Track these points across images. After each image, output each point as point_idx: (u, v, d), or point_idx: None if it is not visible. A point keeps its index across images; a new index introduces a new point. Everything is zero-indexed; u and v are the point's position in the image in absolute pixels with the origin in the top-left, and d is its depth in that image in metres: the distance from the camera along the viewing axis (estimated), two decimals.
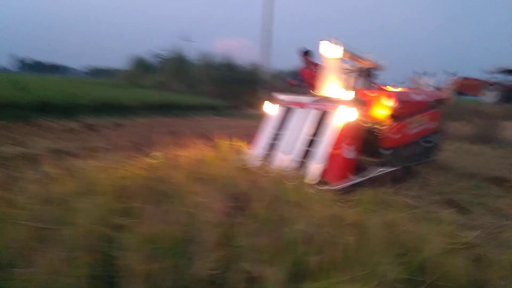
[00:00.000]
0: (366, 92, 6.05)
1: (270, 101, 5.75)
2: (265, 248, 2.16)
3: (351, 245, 2.24)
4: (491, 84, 18.08)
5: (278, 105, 5.65)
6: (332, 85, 5.86)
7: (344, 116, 4.72)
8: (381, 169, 4.94)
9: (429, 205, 3.12)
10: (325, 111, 4.99)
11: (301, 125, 5.13)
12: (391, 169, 4.99)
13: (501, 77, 18.62)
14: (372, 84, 7.25)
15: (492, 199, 5.06)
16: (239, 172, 3.55)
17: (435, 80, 19.41)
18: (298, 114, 5.27)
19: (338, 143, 4.61)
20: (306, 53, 6.64)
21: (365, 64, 6.67)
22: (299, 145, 4.91)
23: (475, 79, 19.22)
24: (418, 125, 6.15)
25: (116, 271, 1.96)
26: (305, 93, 6.23)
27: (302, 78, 6.71)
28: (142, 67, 33.13)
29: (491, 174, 6.65)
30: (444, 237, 2.48)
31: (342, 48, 5.77)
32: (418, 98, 6.47)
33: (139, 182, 2.99)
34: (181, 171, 3.27)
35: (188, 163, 3.47)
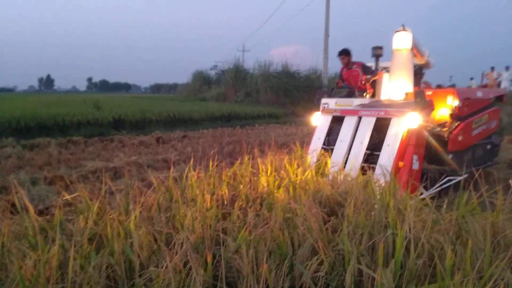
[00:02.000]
0: (426, 90, 5.60)
1: (319, 110, 5.37)
2: (368, 252, 2.19)
3: (456, 249, 2.20)
4: None
5: (327, 114, 5.24)
6: (400, 81, 5.32)
7: (410, 122, 4.23)
8: (450, 178, 4.45)
9: None
10: (385, 118, 4.48)
11: (356, 134, 4.65)
12: (461, 177, 4.22)
13: None
14: (421, 83, 6.77)
15: None
16: (321, 178, 3.60)
17: (510, 73, 18.16)
18: (351, 123, 4.79)
19: (404, 154, 4.15)
20: (342, 53, 6.15)
21: (419, 60, 6.17)
22: (357, 158, 4.40)
23: None
24: (480, 125, 5.68)
25: (229, 271, 2.10)
26: (353, 95, 5.82)
27: (343, 79, 6.29)
28: (202, 80, 34.39)
29: None
30: None
31: (412, 37, 5.30)
32: (479, 95, 5.99)
33: (231, 190, 3.15)
34: (267, 178, 3.38)
35: (270, 171, 3.58)
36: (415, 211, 2.55)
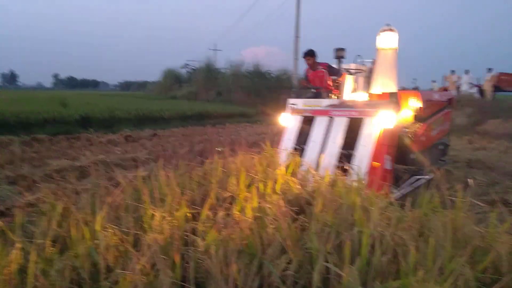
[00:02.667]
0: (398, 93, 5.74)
1: (287, 111, 5.22)
2: (335, 250, 2.23)
3: (419, 246, 2.28)
4: None
5: (297, 114, 5.10)
6: (385, 81, 5.35)
7: (385, 122, 4.20)
8: (419, 177, 4.57)
9: (479, 206, 3.09)
10: (357, 118, 4.42)
11: (328, 135, 4.57)
12: (430, 176, 4.57)
13: None
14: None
15: None
16: (291, 177, 3.63)
17: (470, 77, 18.95)
18: (322, 123, 4.69)
19: (378, 154, 4.12)
20: (308, 54, 6.06)
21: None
22: (331, 158, 4.33)
23: None
24: (437, 126, 5.80)
25: (198, 272, 2.09)
26: (319, 96, 5.74)
27: (309, 81, 6.22)
28: (172, 78, 33.98)
29: None
30: (510, 236, 2.47)
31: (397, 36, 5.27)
32: (437, 97, 6.17)
33: (201, 189, 3.13)
34: (236, 177, 3.38)
35: (240, 170, 3.58)
36: (381, 210, 2.62)
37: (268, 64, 30.64)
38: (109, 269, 2.07)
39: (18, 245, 2.02)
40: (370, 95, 5.45)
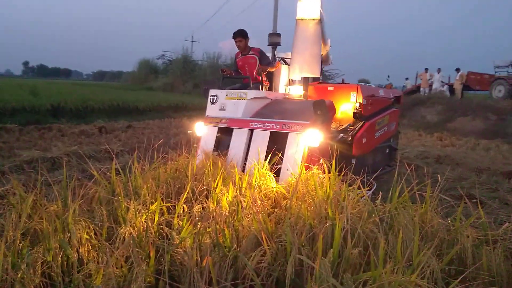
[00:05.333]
0: (328, 86, 5.11)
1: (209, 103, 4.44)
2: (308, 243, 2.28)
3: (389, 239, 2.36)
4: (499, 78, 18.08)
5: (211, 125, 4.23)
6: (305, 63, 4.56)
7: (310, 140, 3.56)
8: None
9: (446, 200, 3.22)
10: (279, 132, 3.79)
11: (249, 149, 3.89)
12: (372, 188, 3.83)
13: (511, 71, 18.63)
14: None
15: (505, 193, 5.17)
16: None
17: (441, 75, 19.51)
18: (241, 136, 3.97)
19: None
20: (238, 35, 5.15)
21: (324, 52, 5.46)
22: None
23: (483, 74, 19.24)
24: (382, 126, 5.16)
25: (172, 265, 2.10)
26: (248, 86, 4.88)
27: (237, 67, 5.39)
28: (148, 69, 33.41)
29: (502, 169, 6.78)
30: (475, 230, 2.59)
31: (321, 9, 4.49)
32: (382, 94, 5.45)
33: (177, 182, 3.12)
34: (213, 171, 3.39)
35: (217, 164, 3.59)
36: (353, 203, 2.69)
37: None
38: (81, 263, 2.05)
39: None
40: (305, 92, 4.87)
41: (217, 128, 4.19)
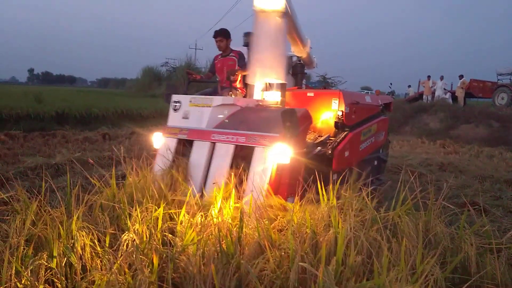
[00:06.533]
0: (307, 91, 4.64)
1: (171, 110, 3.88)
2: (311, 250, 2.28)
3: (391, 246, 2.35)
4: (502, 86, 18.06)
5: (170, 136, 3.69)
6: (266, 63, 3.96)
7: (278, 157, 3.05)
8: None
9: (450, 208, 3.20)
10: (244, 146, 3.30)
11: (211, 163, 3.41)
12: None
13: None
14: (304, 85, 5.75)
15: (509, 201, 5.14)
16: None
17: (444, 83, 19.51)
18: (202, 150, 3.48)
19: (277, 191, 3.08)
20: (220, 34, 4.74)
21: (298, 50, 4.93)
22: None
23: (485, 81, 19.23)
24: (368, 137, 4.70)
25: (175, 272, 2.10)
26: (220, 92, 4.47)
27: (215, 70, 5.03)
28: (152, 76, 33.55)
29: (505, 176, 6.75)
30: (478, 238, 2.58)
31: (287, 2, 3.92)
32: (368, 101, 4.97)
33: (180, 190, 3.12)
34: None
35: None
36: (356, 211, 2.69)
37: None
38: (84, 270, 2.05)
39: None
40: (268, 86, 4.12)
41: (176, 140, 3.65)
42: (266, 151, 3.15)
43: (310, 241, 2.35)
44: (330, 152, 3.81)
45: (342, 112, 4.06)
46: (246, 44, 4.72)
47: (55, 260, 2.06)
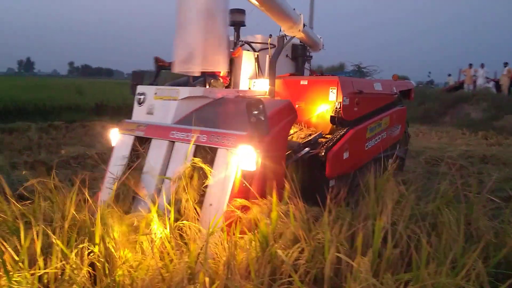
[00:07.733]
0: (300, 79, 3.95)
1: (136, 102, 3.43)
2: (347, 241, 2.26)
3: (431, 239, 2.28)
4: None
5: (127, 133, 3.24)
6: (188, 49, 2.98)
7: (243, 162, 2.51)
8: None
9: (493, 201, 3.04)
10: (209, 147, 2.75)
11: (168, 165, 2.90)
12: None
13: None
14: (308, 70, 5.01)
15: None
16: None
17: (485, 71, 18.62)
18: (160, 149, 2.97)
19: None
20: None
21: (290, 31, 4.06)
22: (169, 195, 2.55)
23: None
24: (378, 132, 3.99)
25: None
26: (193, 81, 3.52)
27: None
28: None
29: None
30: None
31: None
32: (378, 88, 4.20)
33: None
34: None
35: None
36: (394, 203, 2.63)
37: None
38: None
39: (41, 227, 2.07)
40: (258, 73, 3.68)
41: (133, 137, 3.18)
42: (229, 155, 2.59)
43: (346, 232, 2.32)
44: (322, 154, 3.18)
45: (340, 103, 3.44)
46: (233, 24, 4.10)
47: (96, 247, 2.15)
